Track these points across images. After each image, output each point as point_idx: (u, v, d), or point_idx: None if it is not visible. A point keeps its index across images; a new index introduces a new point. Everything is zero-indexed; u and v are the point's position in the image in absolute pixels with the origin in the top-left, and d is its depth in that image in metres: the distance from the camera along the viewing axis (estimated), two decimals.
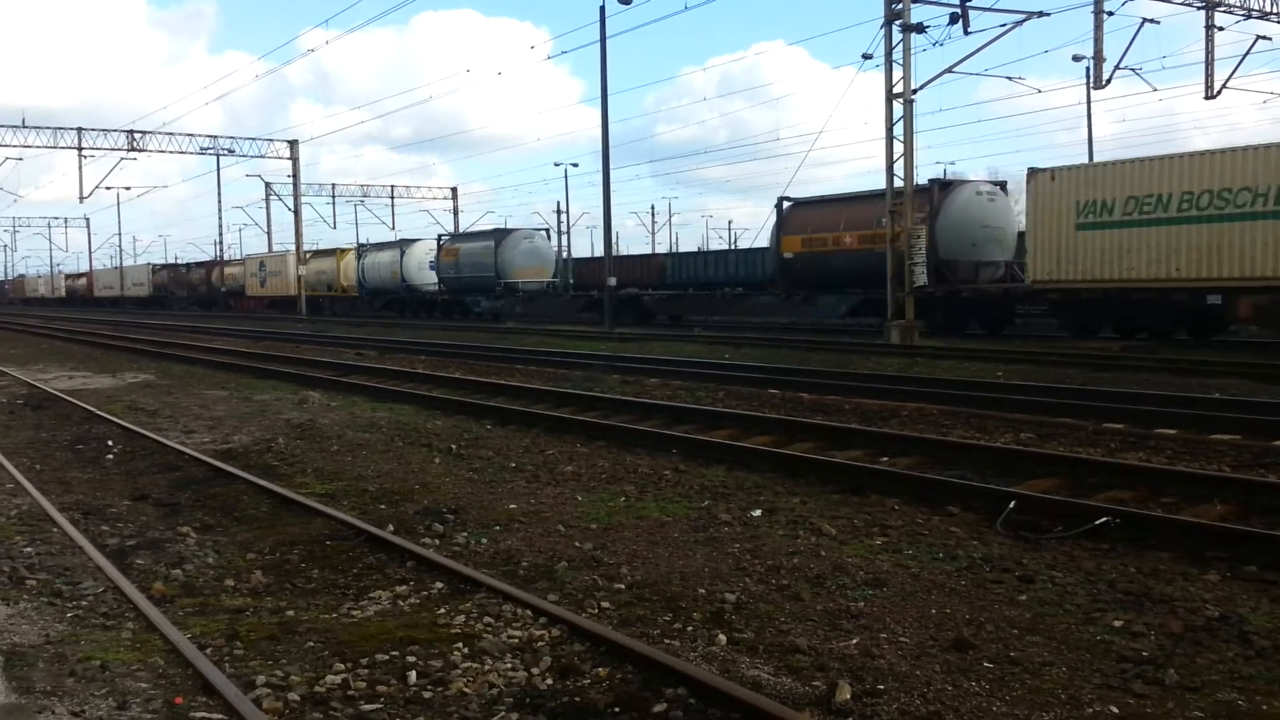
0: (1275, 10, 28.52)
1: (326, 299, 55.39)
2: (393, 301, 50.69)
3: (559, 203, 76.30)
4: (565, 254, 60.66)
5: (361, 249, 54.63)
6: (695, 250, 49.35)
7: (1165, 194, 21.33)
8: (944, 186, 28.12)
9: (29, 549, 7.13)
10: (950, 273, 27.20)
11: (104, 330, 40.12)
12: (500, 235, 44.70)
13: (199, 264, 75.38)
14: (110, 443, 11.87)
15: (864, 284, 27.88)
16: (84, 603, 5.97)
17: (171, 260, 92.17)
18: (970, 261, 27.62)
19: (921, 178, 26.25)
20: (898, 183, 25.61)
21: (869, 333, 26.35)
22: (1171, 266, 21.33)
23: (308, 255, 58.42)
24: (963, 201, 27.75)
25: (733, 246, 55.77)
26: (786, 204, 31.64)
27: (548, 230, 48.54)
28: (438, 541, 7.13)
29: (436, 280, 47.23)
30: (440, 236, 50.43)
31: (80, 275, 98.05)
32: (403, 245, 50.92)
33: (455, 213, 69.90)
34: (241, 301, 63.87)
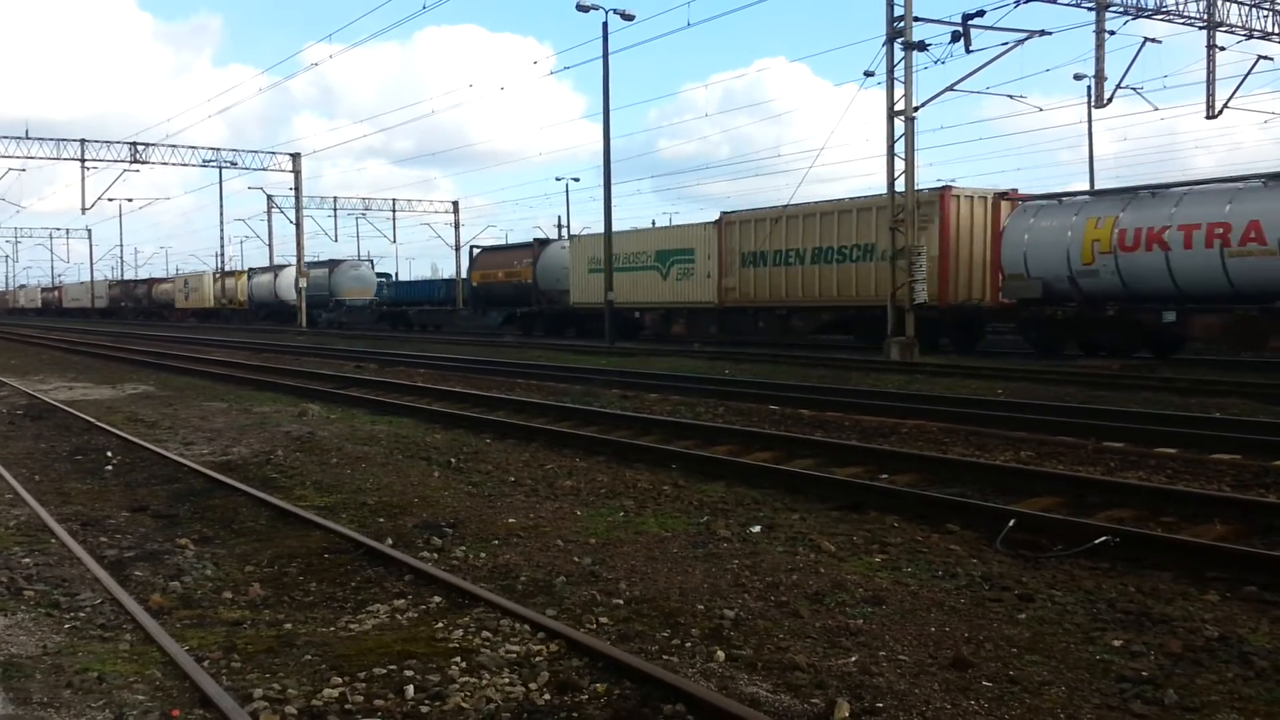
0: (1277, 31, 28.63)
1: (228, 310, 68.32)
2: (271, 314, 62.97)
3: (560, 217, 76.54)
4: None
5: (251, 271, 68.77)
6: (445, 278, 62.73)
7: (621, 254, 35.81)
8: (542, 243, 44.92)
9: (27, 560, 7.12)
10: (547, 299, 42.52)
11: (103, 341, 40.17)
12: (334, 264, 60.57)
13: (142, 281, 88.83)
14: (109, 454, 11.86)
15: (510, 304, 45.19)
16: (82, 614, 5.96)
17: (173, 272, 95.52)
18: (559, 290, 41.34)
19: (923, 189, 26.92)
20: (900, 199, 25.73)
21: (868, 349, 26.53)
22: (627, 295, 35.40)
23: (218, 275, 72.19)
24: (552, 251, 43.23)
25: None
26: (475, 250, 50.33)
27: (371, 261, 63.44)
28: (436, 555, 7.11)
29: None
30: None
31: (53, 289, 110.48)
32: (275, 270, 64.86)
33: (456, 226, 70.05)
34: (172, 312, 76.21)
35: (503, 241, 51.44)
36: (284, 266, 63.97)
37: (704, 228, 33.38)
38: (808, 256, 28.78)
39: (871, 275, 27.09)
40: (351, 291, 58.16)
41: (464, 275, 51.97)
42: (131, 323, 72.62)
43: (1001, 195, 26.90)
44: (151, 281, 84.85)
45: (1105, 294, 23.25)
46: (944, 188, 27.02)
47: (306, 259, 61.26)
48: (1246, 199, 21.03)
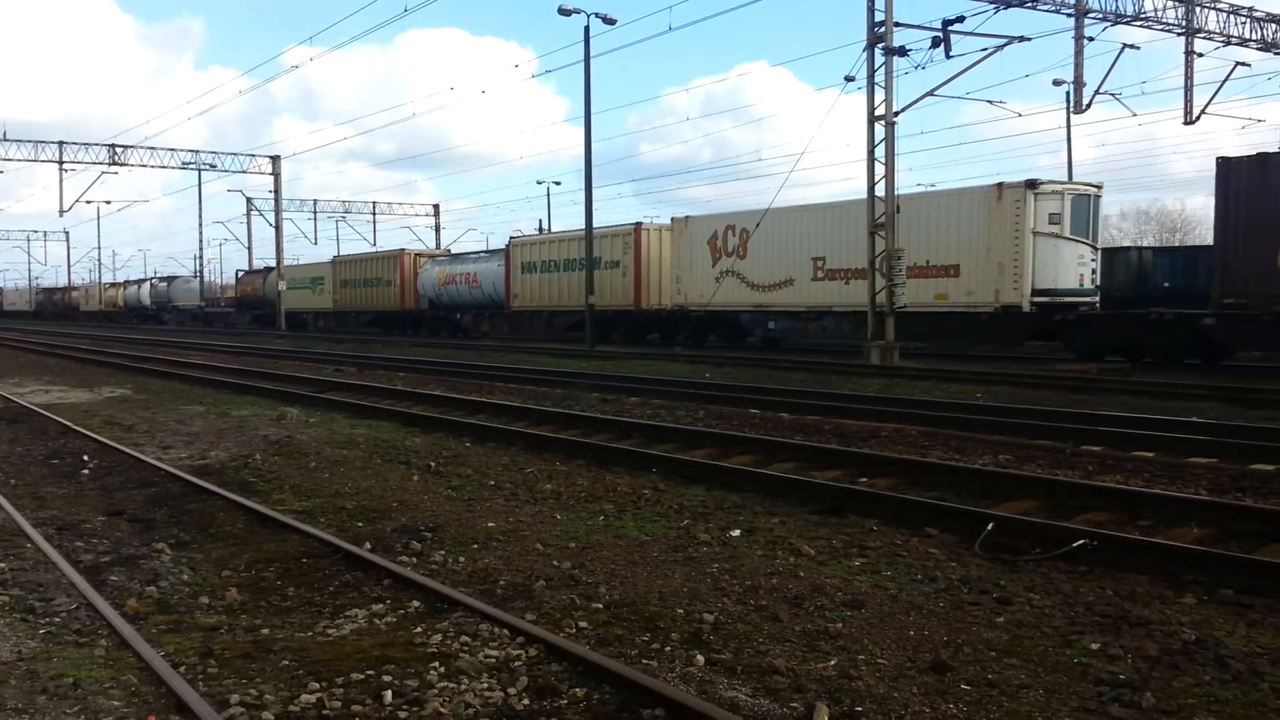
0: (1254, 37, 28.89)
1: (111, 311, 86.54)
2: (138, 316, 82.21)
3: (541, 220, 76.75)
4: None
5: (126, 284, 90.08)
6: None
7: (298, 277, 58.73)
8: (268, 269, 62.59)
9: (2, 564, 7.05)
10: (271, 306, 59.69)
11: (81, 345, 39.91)
12: (170, 279, 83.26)
13: (59, 288, 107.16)
14: (86, 458, 11.77)
15: (255, 309, 64.53)
16: (57, 619, 5.90)
17: (151, 274, 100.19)
18: (275, 300, 60.03)
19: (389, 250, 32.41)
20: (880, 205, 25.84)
21: (848, 353, 26.68)
22: (300, 304, 58.09)
23: (107, 286, 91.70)
24: (273, 276, 59.95)
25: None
26: (240, 272, 69.90)
27: (201, 277, 79.23)
28: (415, 559, 7.09)
29: (151, 303, 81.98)
30: (152, 278, 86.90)
31: None
32: (139, 283, 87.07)
33: (437, 230, 70.01)
34: (77, 313, 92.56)
35: (310, 261, 67.29)
36: (144, 281, 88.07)
37: (327, 264, 57.02)
38: (361, 284, 52.32)
39: (390, 293, 49.89)
40: (183, 299, 78.36)
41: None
42: (53, 321, 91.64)
43: (418, 255, 50.64)
44: (65, 289, 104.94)
45: (447, 305, 46.53)
46: (400, 250, 51.18)
47: (287, 261, 61.23)
48: (479, 261, 45.55)
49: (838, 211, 28.93)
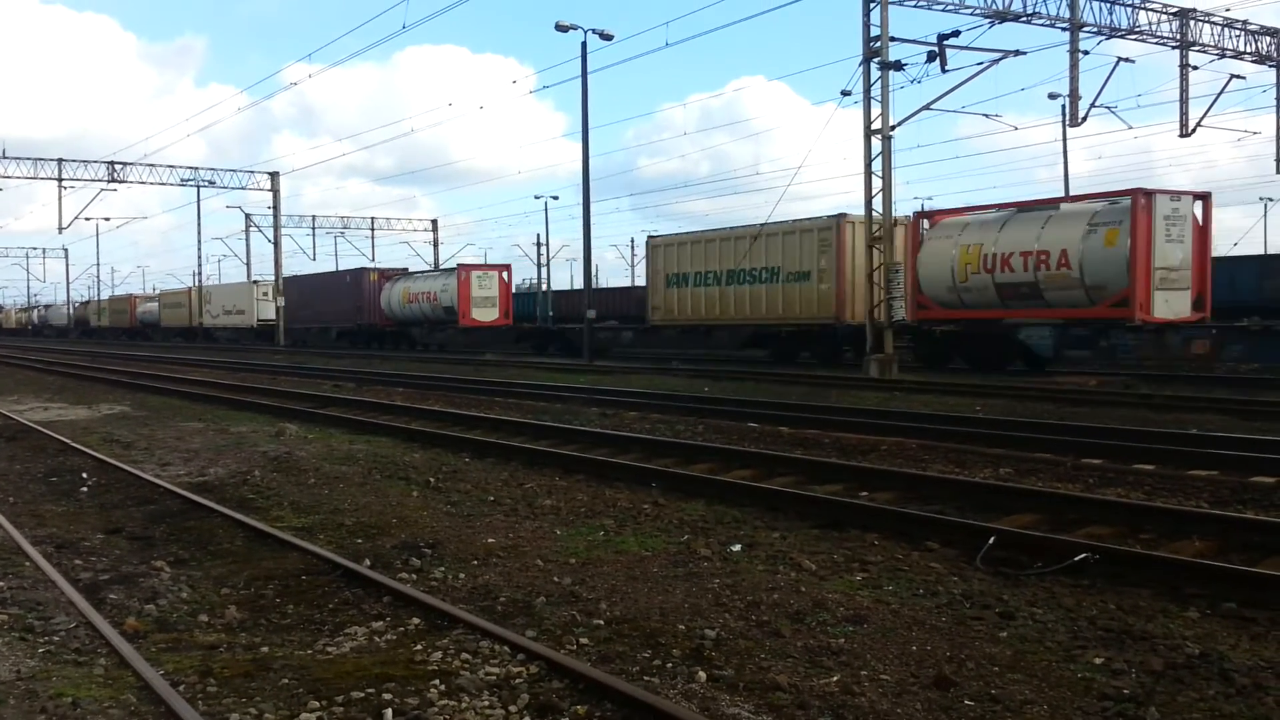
0: (1248, 50, 29.00)
1: (20, 329, 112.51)
2: (31, 332, 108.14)
3: (539, 235, 77.17)
4: (545, 286, 62.42)
5: (26, 309, 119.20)
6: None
7: (103, 309, 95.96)
8: (87, 302, 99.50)
9: (0, 583, 7.02)
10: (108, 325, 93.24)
11: (80, 361, 39.89)
12: (47, 306, 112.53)
13: None
14: (85, 475, 11.74)
15: (82, 324, 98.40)
16: (56, 638, 5.87)
17: (152, 289, 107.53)
18: (100, 317, 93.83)
19: (902, 212, 27.62)
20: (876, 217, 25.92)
21: (848, 366, 26.72)
22: (110, 322, 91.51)
23: (17, 310, 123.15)
24: (91, 307, 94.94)
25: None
26: (76, 304, 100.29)
27: (72, 304, 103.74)
28: (415, 576, 7.06)
29: (37, 322, 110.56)
30: (37, 306, 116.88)
31: None
32: (33, 309, 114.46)
33: (435, 245, 70.12)
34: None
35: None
36: (35, 307, 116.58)
37: (109, 301, 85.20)
38: (121, 312, 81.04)
39: (126, 317, 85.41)
40: (55, 320, 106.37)
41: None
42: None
43: (138, 297, 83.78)
44: None
45: (148, 325, 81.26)
46: (132, 295, 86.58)
47: (286, 276, 61.26)
48: (176, 303, 78.90)
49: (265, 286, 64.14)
